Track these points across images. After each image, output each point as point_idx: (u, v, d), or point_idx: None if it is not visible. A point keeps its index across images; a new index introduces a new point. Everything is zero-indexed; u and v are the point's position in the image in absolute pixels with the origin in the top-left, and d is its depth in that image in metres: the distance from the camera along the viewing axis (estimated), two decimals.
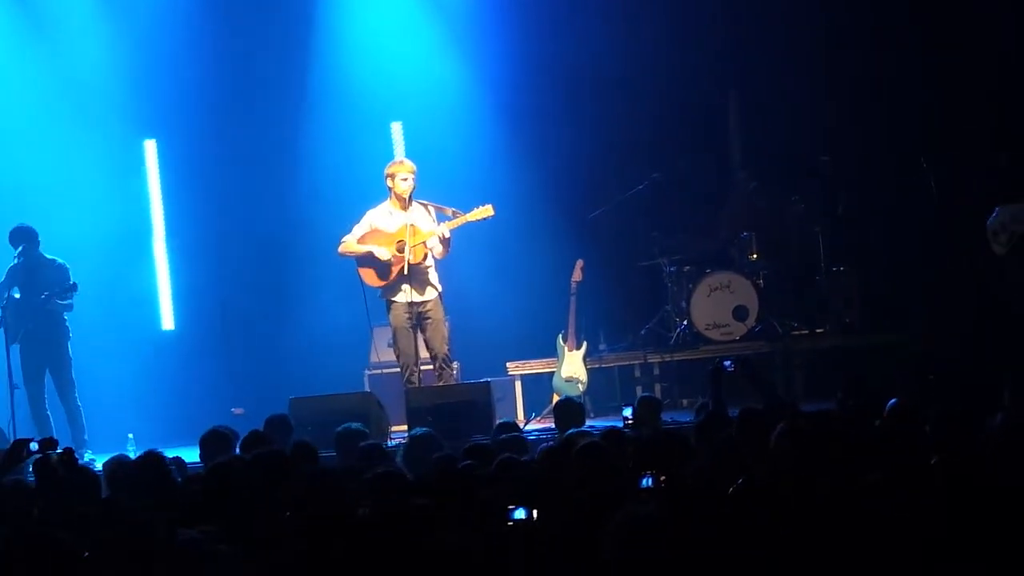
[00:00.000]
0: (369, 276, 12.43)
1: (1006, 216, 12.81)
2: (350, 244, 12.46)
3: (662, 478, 6.07)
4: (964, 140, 13.72)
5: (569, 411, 9.96)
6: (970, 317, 13.02)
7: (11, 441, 9.85)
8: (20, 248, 12.92)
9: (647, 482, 6.11)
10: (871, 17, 14.33)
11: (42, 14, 14.93)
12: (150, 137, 15.36)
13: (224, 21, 14.92)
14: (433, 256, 12.30)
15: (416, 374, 12.36)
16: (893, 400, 7.84)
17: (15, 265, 12.96)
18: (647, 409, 9.70)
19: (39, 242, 12.96)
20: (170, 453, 8.09)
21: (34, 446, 8.15)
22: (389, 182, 12.38)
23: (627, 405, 9.60)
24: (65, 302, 12.89)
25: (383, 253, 12.28)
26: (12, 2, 15.00)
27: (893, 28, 14.30)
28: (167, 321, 15.38)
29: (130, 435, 12.74)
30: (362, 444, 8.70)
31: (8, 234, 12.97)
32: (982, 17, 13.93)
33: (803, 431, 6.58)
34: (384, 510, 6.21)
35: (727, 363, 9.64)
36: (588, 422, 11.31)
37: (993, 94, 13.89)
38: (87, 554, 5.70)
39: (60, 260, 13.01)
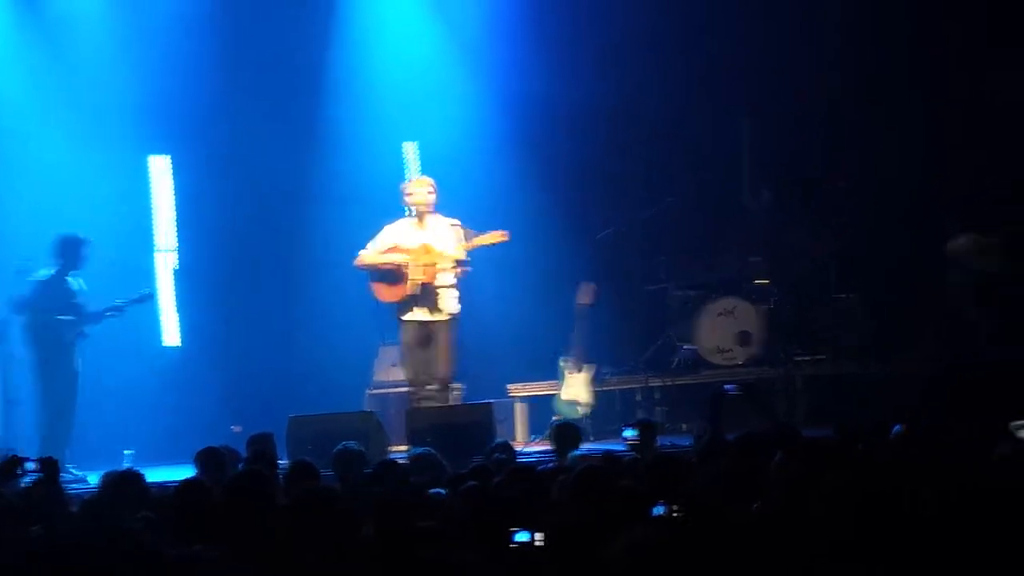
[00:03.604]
0: (381, 291, 12.47)
1: (973, 246, 12.80)
2: (366, 257, 12.50)
3: (674, 507, 6.02)
4: (972, 168, 13.73)
5: (567, 434, 9.90)
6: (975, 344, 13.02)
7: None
8: (61, 264, 12.89)
9: (659, 510, 6.07)
10: (883, 44, 14.34)
11: (52, 28, 14.90)
12: (157, 153, 15.33)
13: (237, 39, 14.90)
14: (455, 276, 12.33)
15: (423, 394, 12.36)
16: (897, 427, 7.83)
17: (50, 279, 12.87)
18: (644, 433, 9.68)
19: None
20: (169, 469, 8.04)
21: (31, 465, 8.06)
22: (405, 198, 12.45)
23: (628, 427, 9.56)
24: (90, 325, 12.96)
25: (395, 269, 12.30)
26: (23, 15, 14.96)
27: (906, 55, 14.32)
28: (170, 337, 15.34)
29: (128, 451, 12.70)
30: (379, 460, 8.71)
31: (57, 242, 12.91)
32: (992, 50, 13.97)
33: (802, 457, 6.57)
34: (389, 529, 6.19)
35: (729, 387, 9.63)
36: (589, 445, 11.29)
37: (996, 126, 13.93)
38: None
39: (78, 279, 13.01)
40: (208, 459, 8.85)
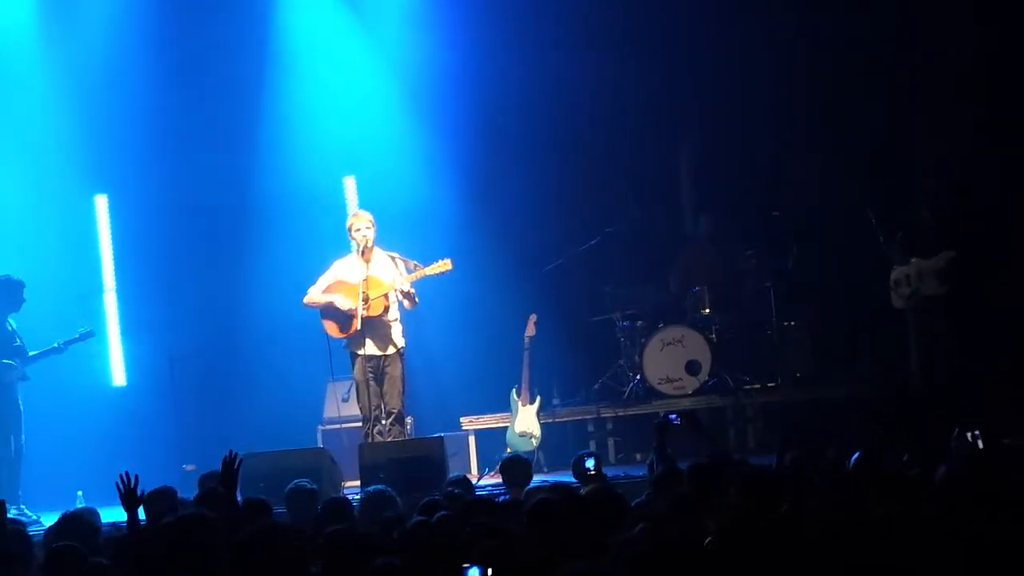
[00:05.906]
0: (331, 328, 12.51)
1: (913, 271, 12.89)
2: (314, 295, 12.55)
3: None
4: (908, 194, 13.85)
5: (517, 468, 9.91)
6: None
7: None
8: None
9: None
10: (822, 68, 14.45)
11: None
12: (101, 192, 15.30)
13: (175, 75, 14.90)
14: (401, 308, 12.35)
15: (376, 428, 12.36)
16: (857, 453, 7.91)
17: None
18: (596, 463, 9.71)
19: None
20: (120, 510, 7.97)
21: None
22: (349, 234, 12.48)
23: (590, 456, 9.61)
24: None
25: (344, 304, 12.36)
26: None
27: (841, 81, 14.45)
28: (118, 377, 15.27)
29: (79, 492, 12.64)
30: (330, 498, 8.69)
31: None
32: (932, 81, 14.12)
33: (754, 485, 6.63)
34: (340, 569, 6.18)
35: (673, 416, 9.69)
36: (542, 477, 11.32)
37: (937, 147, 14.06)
38: None
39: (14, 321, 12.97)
40: (158, 500, 8.80)
